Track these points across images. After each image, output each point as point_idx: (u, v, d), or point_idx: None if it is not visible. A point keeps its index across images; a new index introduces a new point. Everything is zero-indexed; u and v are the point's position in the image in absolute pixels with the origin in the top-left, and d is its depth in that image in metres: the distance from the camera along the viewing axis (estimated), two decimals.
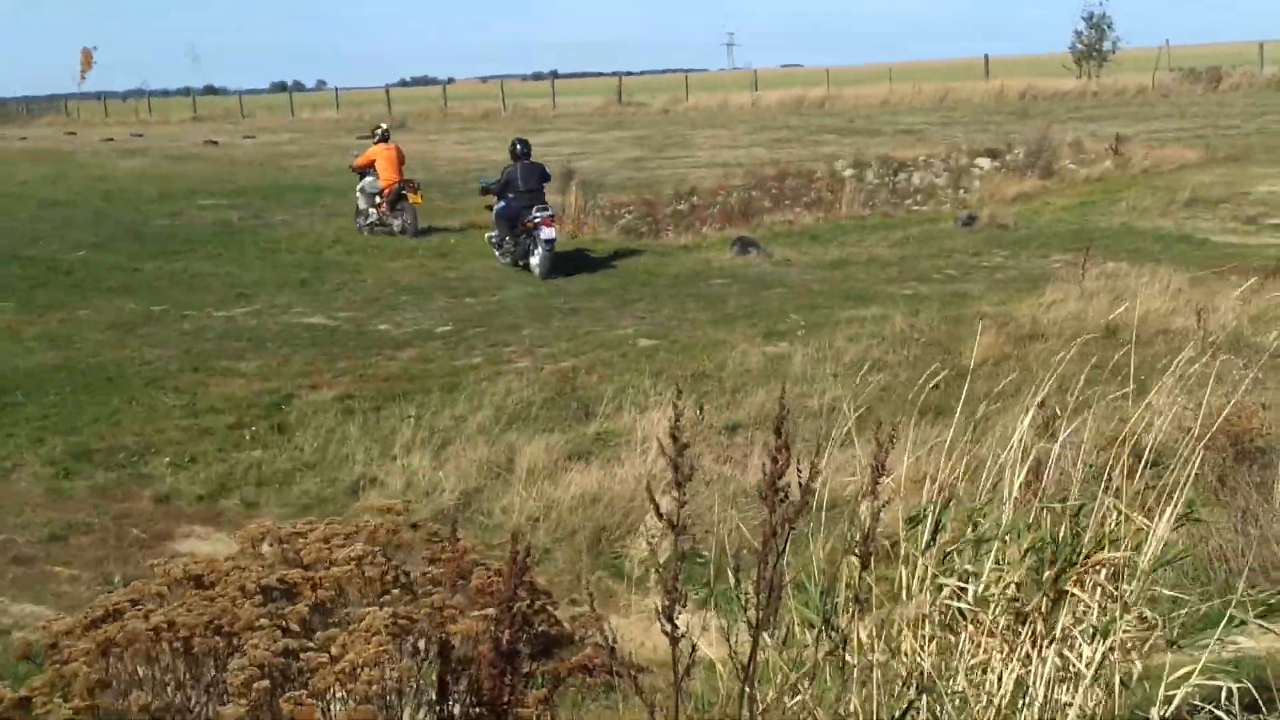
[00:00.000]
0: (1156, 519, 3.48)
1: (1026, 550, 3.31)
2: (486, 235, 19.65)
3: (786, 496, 2.50)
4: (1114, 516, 3.46)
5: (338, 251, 21.19)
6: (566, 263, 18.71)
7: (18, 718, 3.38)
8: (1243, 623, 3.57)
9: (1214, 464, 7.23)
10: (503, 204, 18.60)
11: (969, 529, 3.45)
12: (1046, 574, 3.28)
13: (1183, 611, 3.38)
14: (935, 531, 3.35)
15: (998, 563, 3.41)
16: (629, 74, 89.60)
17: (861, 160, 28.36)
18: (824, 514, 3.75)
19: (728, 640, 2.97)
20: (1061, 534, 3.43)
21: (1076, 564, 3.29)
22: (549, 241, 17.73)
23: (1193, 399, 9.63)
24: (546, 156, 35.39)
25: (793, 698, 3.20)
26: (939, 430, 5.23)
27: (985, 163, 27.93)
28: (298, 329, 15.24)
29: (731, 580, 3.25)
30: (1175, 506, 3.54)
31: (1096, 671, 3.27)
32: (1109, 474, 3.68)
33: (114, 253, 21.68)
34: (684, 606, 2.50)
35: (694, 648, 2.56)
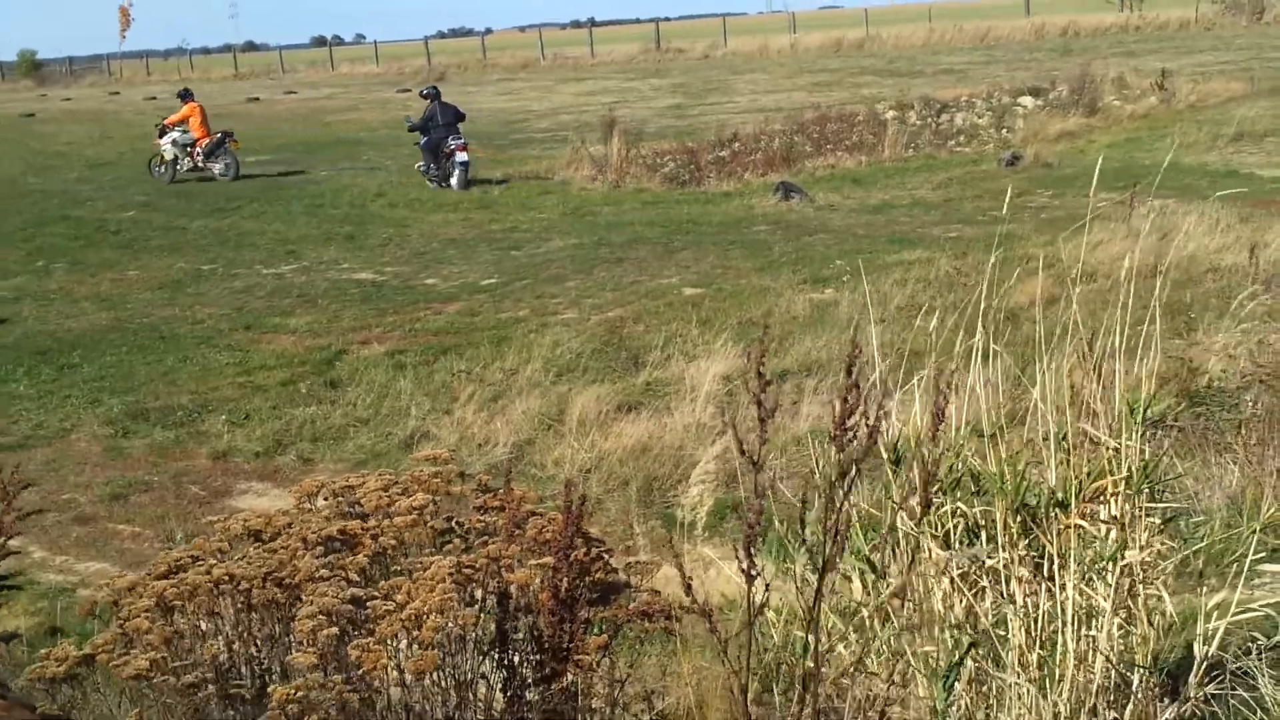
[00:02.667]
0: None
1: (1017, 492, 3.36)
2: (416, 165, 23.07)
3: (855, 436, 2.53)
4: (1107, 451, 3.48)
5: (381, 205, 21.31)
6: (609, 206, 18.76)
7: (85, 674, 3.48)
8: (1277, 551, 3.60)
9: (1272, 401, 7.19)
10: (426, 138, 22.37)
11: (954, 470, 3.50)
12: (1052, 510, 3.33)
13: (1202, 544, 3.41)
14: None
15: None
16: (667, 19, 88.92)
17: (903, 101, 28.15)
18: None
19: (795, 584, 3.02)
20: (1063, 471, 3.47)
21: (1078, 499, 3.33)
22: (464, 163, 22.01)
23: (1249, 337, 9.62)
24: (586, 106, 35.32)
25: (847, 646, 3.27)
26: (988, 374, 5.28)
27: (1028, 101, 27.65)
28: (346, 284, 15.37)
29: (780, 527, 3.30)
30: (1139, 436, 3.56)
31: (1117, 606, 3.32)
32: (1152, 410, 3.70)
33: (162, 212, 21.89)
34: (762, 544, 2.55)
35: (767, 586, 2.61)
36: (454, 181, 22.03)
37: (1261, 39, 42.85)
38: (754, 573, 2.49)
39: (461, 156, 22.04)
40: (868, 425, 2.51)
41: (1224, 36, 45.62)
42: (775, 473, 7.74)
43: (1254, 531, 3.41)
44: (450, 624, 3.17)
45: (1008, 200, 6.41)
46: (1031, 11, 61.72)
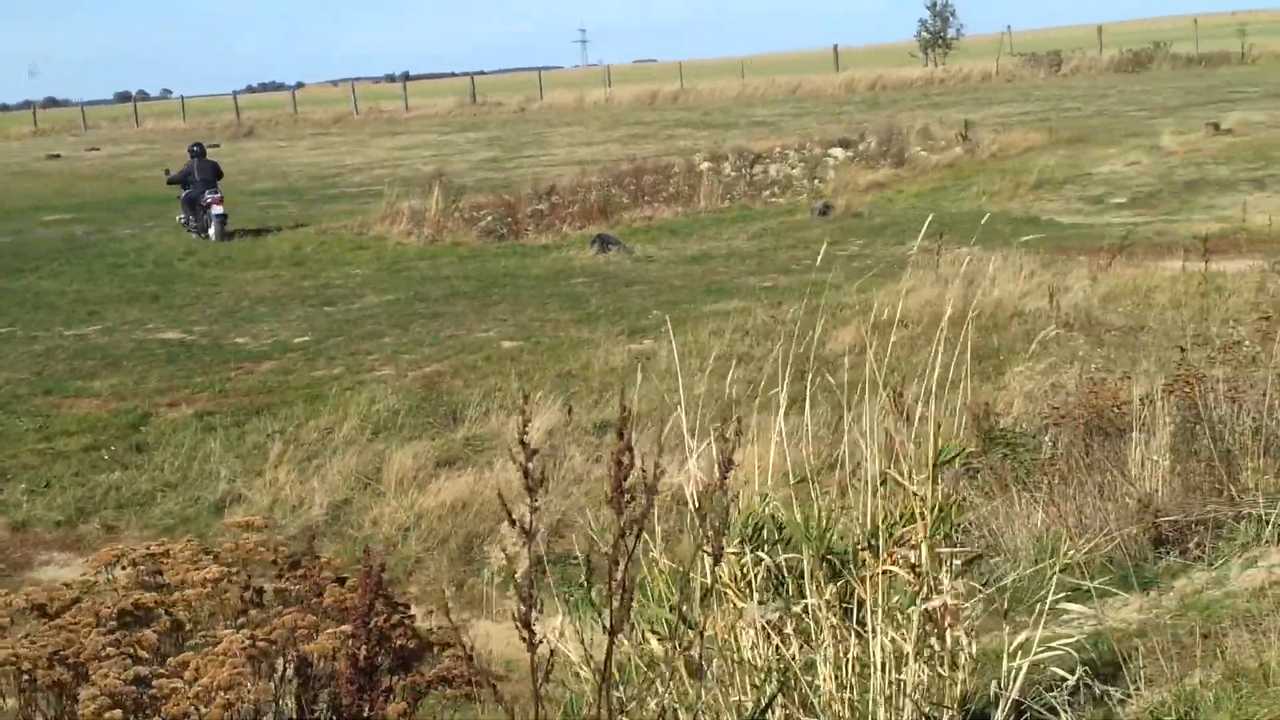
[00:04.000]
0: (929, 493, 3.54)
1: (821, 539, 3.38)
2: (177, 218, 23.94)
3: (633, 498, 2.51)
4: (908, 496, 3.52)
5: (190, 264, 20.76)
6: (426, 260, 18.60)
7: None
8: (1078, 590, 3.67)
9: (1070, 440, 7.39)
10: (187, 192, 23.45)
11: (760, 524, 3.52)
12: (861, 555, 3.36)
13: (1009, 580, 3.46)
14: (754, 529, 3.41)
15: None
16: (482, 73, 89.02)
17: (718, 153, 28.56)
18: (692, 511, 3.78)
19: (582, 643, 2.98)
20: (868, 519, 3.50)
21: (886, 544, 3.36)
22: (220, 216, 22.88)
23: (1048, 379, 9.91)
24: (402, 160, 35.12)
25: (652, 697, 3.23)
26: (801, 423, 5.32)
27: (839, 152, 28.30)
28: (152, 345, 14.90)
29: (586, 584, 3.25)
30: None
31: (921, 648, 3.35)
32: (954, 455, 3.75)
33: None
34: (540, 612, 2.50)
35: (551, 653, 2.56)
36: (211, 232, 22.83)
37: (1059, 90, 44.69)
38: (535, 641, 2.44)
39: (217, 210, 22.93)
40: (646, 486, 2.48)
41: (1023, 88, 47.45)
42: (602, 523, 7.70)
43: (1054, 572, 3.46)
44: (245, 699, 3.04)
45: (822, 251, 6.50)
46: (841, 66, 63.37)
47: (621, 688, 3.70)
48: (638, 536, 2.49)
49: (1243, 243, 16.06)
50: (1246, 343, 8.18)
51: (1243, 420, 6.60)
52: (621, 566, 2.48)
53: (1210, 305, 12.26)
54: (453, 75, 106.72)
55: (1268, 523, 5.24)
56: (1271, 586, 4.45)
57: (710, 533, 2.82)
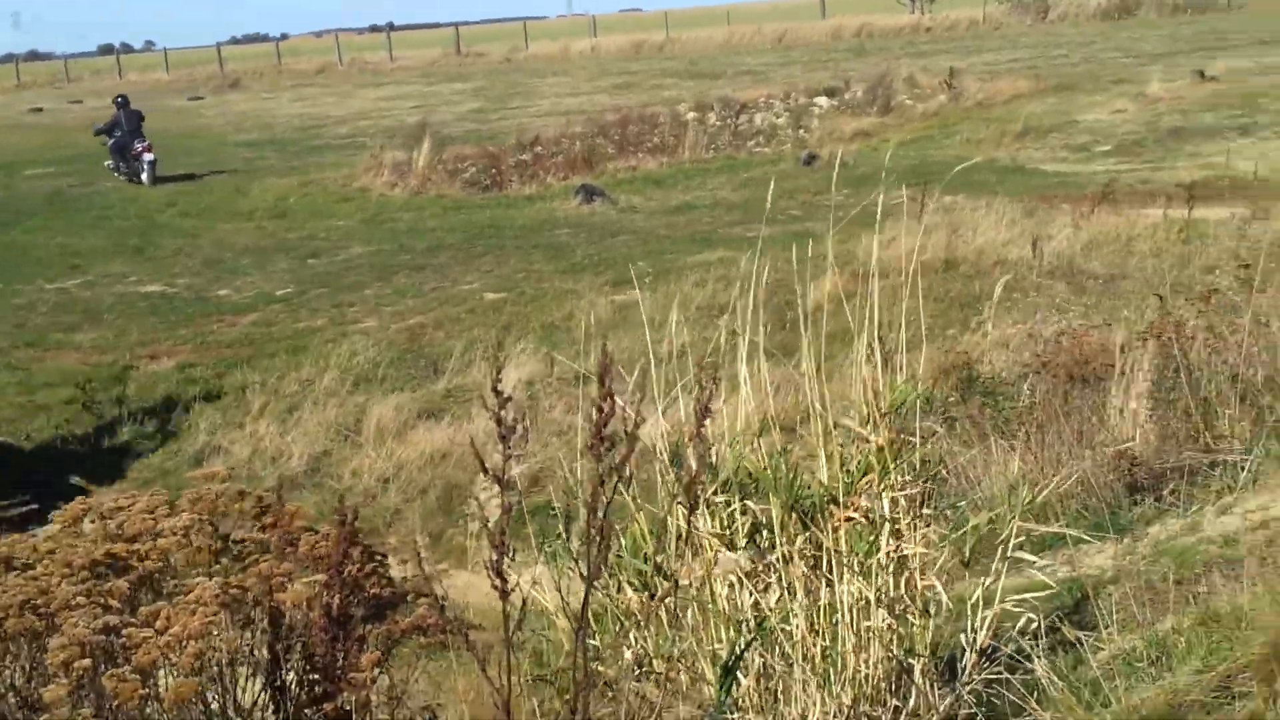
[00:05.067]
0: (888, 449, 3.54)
1: (790, 489, 3.38)
2: (105, 164, 24.82)
3: (612, 446, 2.50)
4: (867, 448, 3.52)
5: (172, 215, 20.66)
6: (410, 212, 18.54)
7: None
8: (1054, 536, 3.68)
9: (1049, 389, 7.38)
10: (114, 140, 24.53)
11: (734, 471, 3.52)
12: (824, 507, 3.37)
13: (969, 526, 3.46)
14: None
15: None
16: (467, 24, 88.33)
17: (703, 103, 28.40)
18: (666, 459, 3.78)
19: (558, 590, 2.98)
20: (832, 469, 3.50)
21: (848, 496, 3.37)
22: (151, 161, 23.80)
23: (1029, 326, 9.91)
24: (387, 112, 34.90)
25: (628, 645, 3.23)
26: (782, 374, 5.32)
27: (824, 101, 28.19)
28: (134, 298, 14.85)
29: (562, 532, 3.26)
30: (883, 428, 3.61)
31: (893, 597, 3.36)
32: (929, 402, 3.75)
33: None
34: (514, 561, 2.49)
35: (525, 601, 2.56)
36: (144, 177, 23.84)
37: (1046, 38, 44.52)
38: (507, 589, 2.44)
39: (148, 156, 24.00)
40: (626, 433, 2.48)
41: (1010, 36, 47.26)
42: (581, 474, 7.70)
43: (1014, 516, 3.46)
44: (217, 648, 3.04)
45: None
46: (827, 13, 63.01)
47: (598, 637, 3.72)
48: (615, 484, 2.48)
49: (1225, 190, 16.04)
50: (1227, 290, 8.18)
51: (1220, 369, 6.61)
52: (600, 514, 2.47)
53: (1191, 253, 12.26)
54: (437, 26, 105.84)
55: (1242, 469, 5.26)
56: (1245, 533, 4.47)
57: (685, 481, 2.81)
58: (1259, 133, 20.77)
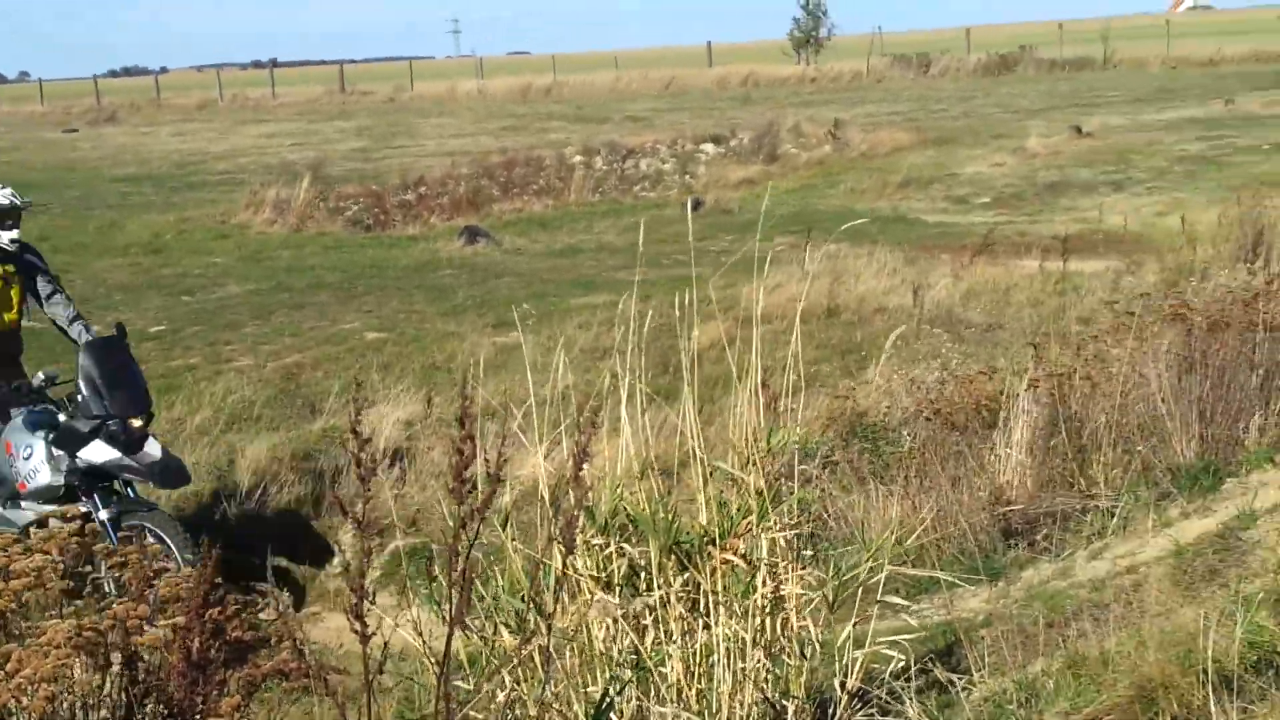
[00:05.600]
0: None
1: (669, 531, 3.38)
2: None
3: (474, 488, 2.46)
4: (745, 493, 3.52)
5: (43, 250, 20.07)
6: (290, 250, 18.26)
7: None
8: (929, 580, 3.69)
9: (929, 435, 7.44)
10: None
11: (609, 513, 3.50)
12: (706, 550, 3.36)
13: (844, 575, 3.47)
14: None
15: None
16: (351, 62, 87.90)
17: (590, 147, 28.53)
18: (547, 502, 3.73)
19: (420, 634, 2.92)
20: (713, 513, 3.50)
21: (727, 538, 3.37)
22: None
23: (910, 373, 10.01)
24: (267, 149, 34.53)
25: (500, 689, 3.17)
26: (666, 415, 5.30)
27: (710, 148, 28.46)
28: None
29: (431, 576, 3.19)
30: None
31: (768, 639, 3.35)
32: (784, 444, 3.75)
33: None
34: (373, 603, 2.43)
35: (385, 644, 2.50)
36: None
37: (928, 91, 45.47)
38: (367, 633, 2.38)
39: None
40: (490, 475, 2.44)
41: (893, 89, 48.20)
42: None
43: (885, 561, 3.48)
44: (71, 691, 2.92)
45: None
46: (714, 61, 63.74)
47: (470, 680, 3.65)
48: (479, 527, 2.44)
49: (1099, 243, 16.45)
50: (1103, 340, 8.35)
51: (1096, 416, 6.74)
52: (463, 556, 2.43)
53: (1068, 304, 12.52)
54: (322, 63, 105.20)
55: (1113, 515, 5.35)
56: (1114, 577, 4.54)
57: (563, 525, 2.78)
58: (1131, 188, 21.37)
